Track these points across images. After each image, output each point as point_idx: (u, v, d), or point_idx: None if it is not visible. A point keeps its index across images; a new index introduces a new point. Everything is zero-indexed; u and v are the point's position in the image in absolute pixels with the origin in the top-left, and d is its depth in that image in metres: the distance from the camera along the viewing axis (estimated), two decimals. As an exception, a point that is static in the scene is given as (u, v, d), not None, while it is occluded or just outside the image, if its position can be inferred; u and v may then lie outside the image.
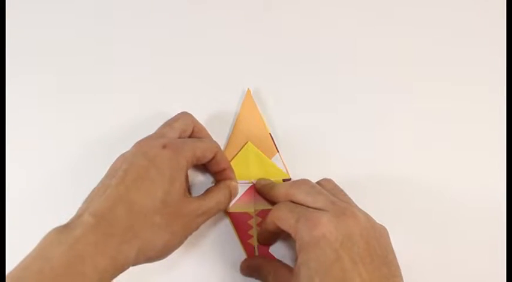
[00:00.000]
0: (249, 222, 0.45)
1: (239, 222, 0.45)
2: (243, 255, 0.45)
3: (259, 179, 0.45)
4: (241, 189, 0.46)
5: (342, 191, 0.41)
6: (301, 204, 0.39)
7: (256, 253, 0.44)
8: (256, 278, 0.42)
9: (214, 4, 0.50)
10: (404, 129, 0.48)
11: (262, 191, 0.44)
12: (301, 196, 0.39)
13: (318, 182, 0.42)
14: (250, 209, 0.45)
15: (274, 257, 0.44)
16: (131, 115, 0.48)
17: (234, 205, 0.45)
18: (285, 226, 0.38)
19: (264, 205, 0.45)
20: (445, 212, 0.46)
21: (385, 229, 0.38)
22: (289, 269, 0.39)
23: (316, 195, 0.38)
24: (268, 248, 0.45)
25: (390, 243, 0.38)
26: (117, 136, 0.47)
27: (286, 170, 0.46)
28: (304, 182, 0.40)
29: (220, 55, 0.49)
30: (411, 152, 0.47)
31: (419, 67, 0.49)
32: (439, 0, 0.51)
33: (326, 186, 0.41)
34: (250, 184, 0.46)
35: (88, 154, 0.47)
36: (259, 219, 0.45)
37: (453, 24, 0.51)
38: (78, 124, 0.47)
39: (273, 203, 0.44)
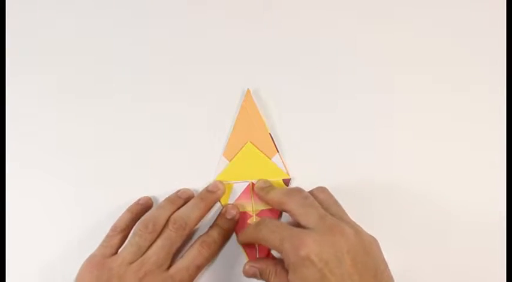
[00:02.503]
0: (249, 221, 0.45)
1: (238, 222, 0.45)
2: (242, 255, 0.45)
3: (259, 180, 0.45)
4: (241, 189, 0.46)
5: (335, 201, 0.42)
6: (292, 214, 0.40)
7: (257, 252, 0.44)
8: (258, 279, 0.43)
9: (214, 4, 0.50)
10: (404, 129, 0.48)
11: (259, 194, 0.45)
12: (293, 207, 0.40)
13: (311, 192, 0.42)
14: (250, 209, 0.45)
15: (274, 257, 0.44)
16: (131, 115, 0.48)
17: (233, 205, 0.46)
18: (271, 246, 0.39)
19: (263, 205, 0.45)
20: (443, 212, 0.46)
21: (374, 240, 0.38)
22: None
23: (307, 208, 0.39)
24: (270, 248, 0.45)
25: (381, 255, 0.38)
26: (116, 135, 0.47)
27: (286, 170, 0.46)
28: (297, 192, 0.41)
29: (219, 55, 0.49)
30: (411, 151, 0.47)
31: (419, 67, 0.49)
32: (439, 0, 0.51)
33: (319, 196, 0.42)
34: (250, 184, 0.46)
35: (88, 153, 0.47)
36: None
37: (453, 24, 0.51)
38: (78, 124, 0.47)
39: None
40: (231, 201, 0.46)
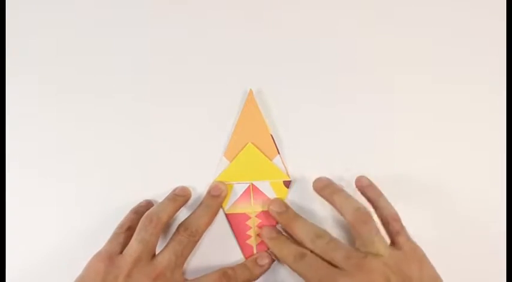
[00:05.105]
0: (247, 222, 0.45)
1: (237, 223, 0.45)
2: (241, 256, 0.45)
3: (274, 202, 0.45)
4: (241, 190, 0.46)
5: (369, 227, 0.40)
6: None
7: (255, 253, 0.45)
8: None
9: (215, 4, 0.50)
10: (405, 129, 0.48)
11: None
12: (319, 251, 0.40)
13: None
14: (249, 210, 0.45)
15: (272, 257, 0.45)
16: (131, 115, 0.48)
17: (233, 206, 0.46)
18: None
19: (262, 206, 0.45)
20: (443, 212, 0.46)
21: (414, 260, 0.39)
22: None
23: (331, 252, 0.39)
24: (268, 249, 0.45)
25: (424, 272, 0.38)
26: (117, 136, 0.47)
27: (287, 172, 0.46)
28: (319, 236, 0.41)
29: (222, 55, 0.49)
30: (411, 152, 0.47)
31: (419, 67, 0.49)
32: (439, 0, 0.51)
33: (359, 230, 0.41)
34: (250, 185, 0.46)
35: (88, 153, 0.47)
36: (259, 221, 0.45)
37: (453, 24, 0.50)
38: (78, 124, 0.47)
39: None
40: (231, 201, 0.46)
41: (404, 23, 0.50)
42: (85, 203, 0.46)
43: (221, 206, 0.46)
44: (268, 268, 0.44)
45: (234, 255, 0.45)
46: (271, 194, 0.46)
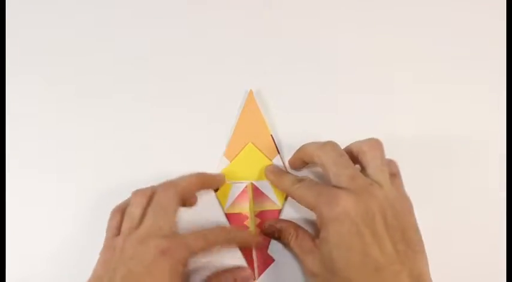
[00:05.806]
0: (246, 222, 0.45)
1: (237, 223, 0.45)
2: (240, 256, 0.45)
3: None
4: (240, 190, 0.46)
5: (379, 162, 0.39)
6: (323, 169, 0.39)
7: (254, 253, 0.44)
8: (275, 239, 0.44)
9: (215, 4, 0.50)
10: (405, 129, 0.48)
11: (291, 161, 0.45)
12: (325, 162, 0.39)
13: (361, 144, 0.40)
14: (248, 210, 0.45)
15: (271, 257, 0.44)
16: (131, 115, 0.48)
17: (232, 206, 0.45)
18: (305, 203, 0.39)
19: (262, 206, 0.45)
20: (444, 212, 0.46)
21: (406, 204, 0.39)
22: (311, 237, 0.40)
23: (340, 167, 0.38)
24: (267, 249, 0.45)
25: (410, 219, 0.38)
26: (117, 136, 0.47)
27: (287, 172, 0.46)
28: (333, 148, 0.40)
29: (222, 55, 0.49)
30: (411, 152, 0.47)
31: (419, 67, 0.49)
32: (439, 0, 0.51)
33: (366, 154, 0.40)
34: (249, 184, 0.46)
35: (88, 153, 0.47)
36: (258, 221, 0.45)
37: (453, 24, 0.51)
38: (78, 124, 0.47)
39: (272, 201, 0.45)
40: (230, 201, 0.46)
41: (404, 23, 0.51)
42: (85, 203, 0.46)
43: (220, 203, 0.46)
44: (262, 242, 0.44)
45: (233, 255, 0.45)
46: (271, 194, 0.46)
